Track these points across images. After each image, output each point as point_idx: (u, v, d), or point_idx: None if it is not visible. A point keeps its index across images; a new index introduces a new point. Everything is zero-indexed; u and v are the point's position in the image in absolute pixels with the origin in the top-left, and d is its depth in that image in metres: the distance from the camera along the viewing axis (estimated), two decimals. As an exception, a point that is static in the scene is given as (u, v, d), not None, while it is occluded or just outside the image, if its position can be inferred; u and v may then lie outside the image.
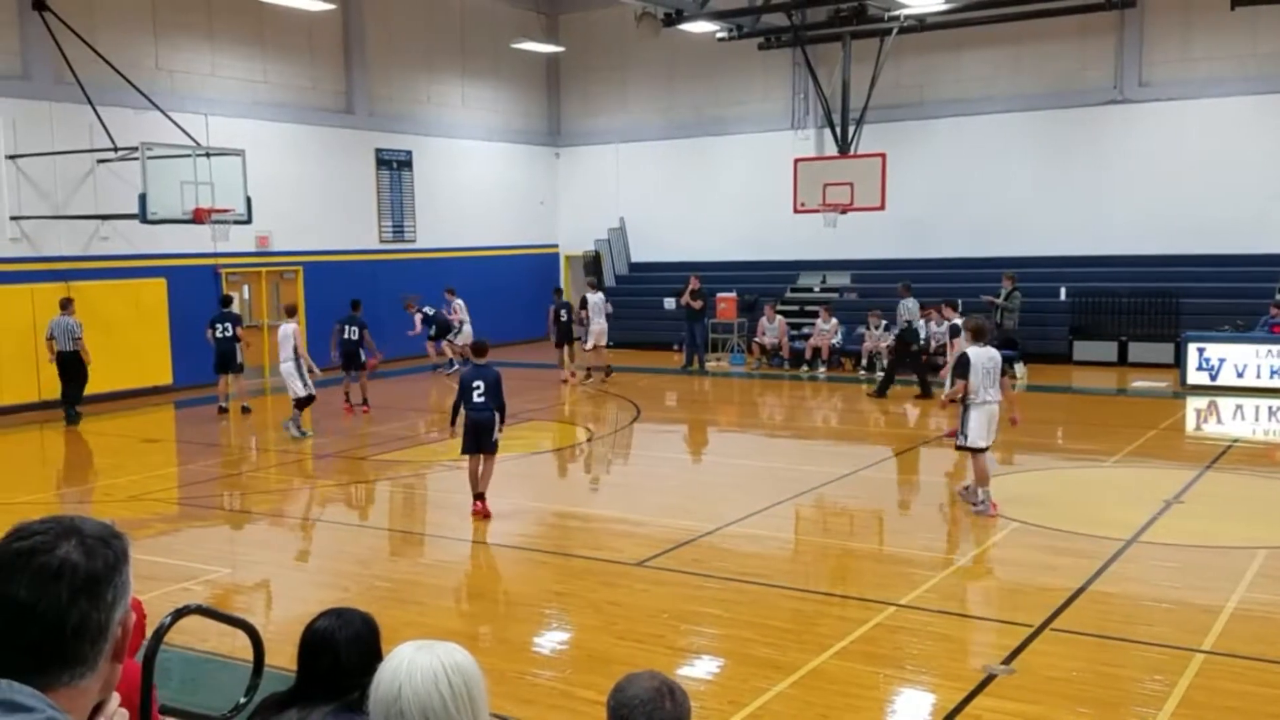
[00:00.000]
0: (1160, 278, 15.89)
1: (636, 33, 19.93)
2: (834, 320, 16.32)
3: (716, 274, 18.43)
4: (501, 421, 7.88)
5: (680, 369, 16.40)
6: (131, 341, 13.96)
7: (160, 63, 14.69)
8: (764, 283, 18.49)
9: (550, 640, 5.71)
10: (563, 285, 21.31)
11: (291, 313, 11.53)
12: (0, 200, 12.93)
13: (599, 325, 15.06)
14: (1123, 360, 15.50)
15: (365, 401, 12.81)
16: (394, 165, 18.08)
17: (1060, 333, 16.01)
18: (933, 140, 17.77)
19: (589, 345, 15.09)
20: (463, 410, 7.83)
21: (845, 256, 18.20)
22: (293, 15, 15.69)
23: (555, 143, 21.45)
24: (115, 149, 12.62)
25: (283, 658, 2.69)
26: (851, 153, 16.57)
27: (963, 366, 7.73)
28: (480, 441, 7.75)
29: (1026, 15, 15.83)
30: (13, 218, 13.09)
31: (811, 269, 18.83)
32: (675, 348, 17.50)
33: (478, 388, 7.69)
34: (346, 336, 12.67)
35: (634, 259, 20.87)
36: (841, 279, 18.46)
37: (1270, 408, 12.42)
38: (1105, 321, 15.79)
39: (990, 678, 4.82)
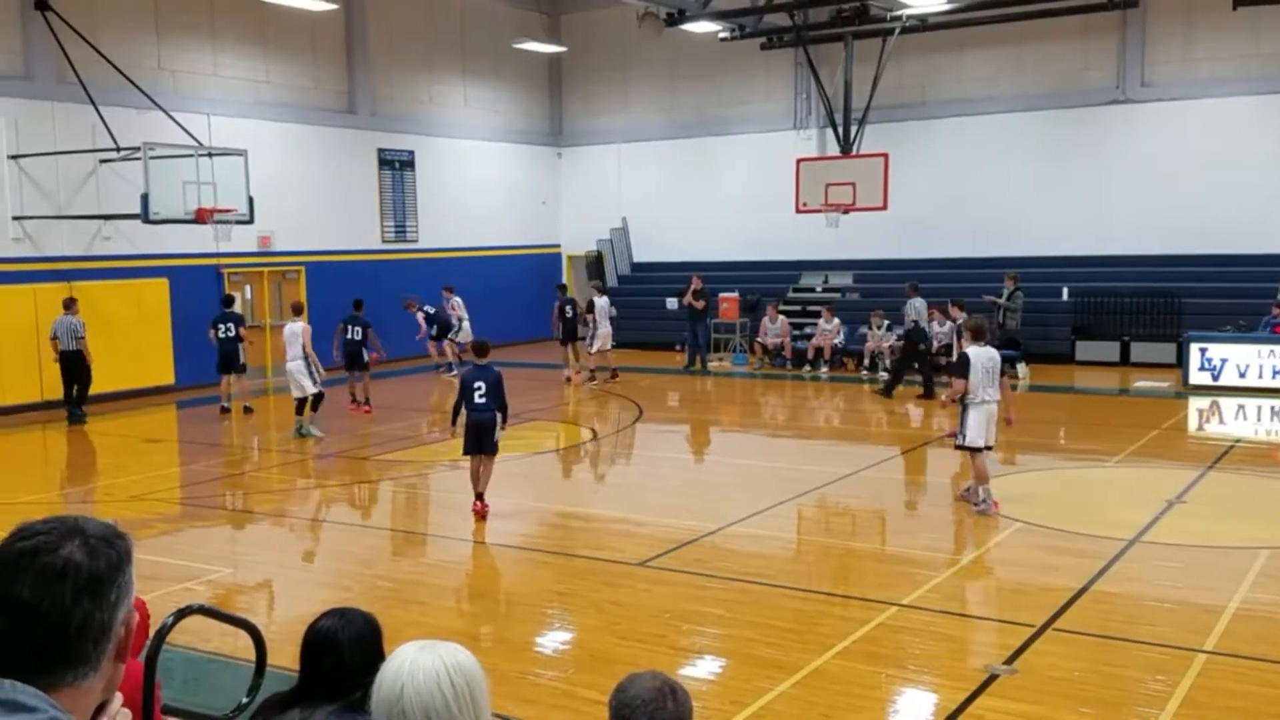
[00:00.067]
0: (1162, 278, 15.87)
1: (639, 32, 19.92)
2: (836, 320, 16.31)
3: (719, 274, 18.42)
4: (504, 421, 7.88)
5: (682, 369, 16.40)
6: (134, 341, 13.97)
7: (163, 62, 14.71)
8: (766, 283, 18.48)
9: (552, 640, 5.71)
10: (561, 282, 21.35)
11: (299, 311, 11.50)
12: (3, 200, 12.95)
13: (605, 329, 14.98)
14: (1125, 360, 15.49)
15: (367, 401, 12.84)
16: (396, 165, 18.09)
17: (1062, 333, 15.99)
18: (935, 140, 17.76)
19: (594, 349, 14.92)
20: (464, 411, 7.83)
21: (847, 256, 18.19)
22: (295, 15, 15.70)
23: (557, 143, 21.45)
24: (117, 149, 12.63)
25: (285, 658, 2.69)
26: (854, 153, 16.56)
27: (962, 366, 7.74)
28: (481, 442, 7.75)
29: (1028, 15, 15.81)
30: (15, 218, 13.10)
31: (814, 269, 18.83)
32: (677, 348, 17.49)
33: (479, 388, 7.69)
34: (350, 336, 12.69)
35: (636, 259, 20.87)
36: (844, 279, 18.45)
37: (1272, 408, 12.40)
38: (1107, 321, 15.77)
39: (992, 678, 4.82)
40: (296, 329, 11.10)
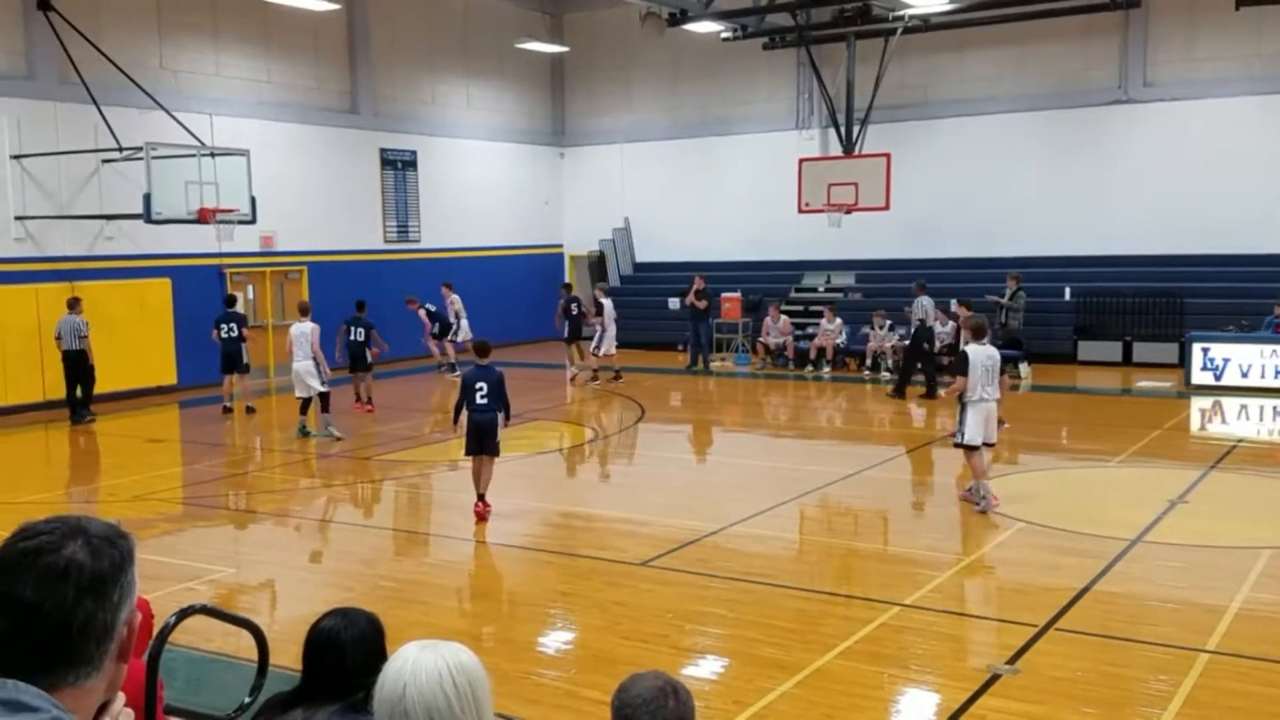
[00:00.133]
0: (1165, 278, 15.85)
1: (641, 32, 19.92)
2: (838, 320, 16.30)
3: (721, 274, 18.41)
4: (506, 420, 7.88)
5: (685, 369, 16.39)
6: (136, 341, 13.99)
7: (165, 62, 14.73)
8: (768, 283, 18.47)
9: (555, 640, 5.71)
10: (566, 281, 21.34)
11: (306, 312, 11.41)
12: (5, 200, 12.97)
13: (612, 331, 14.99)
14: (1127, 360, 15.46)
15: (370, 400, 12.85)
16: (398, 165, 18.10)
17: (1065, 333, 15.97)
18: (937, 140, 17.74)
19: (602, 351, 14.86)
20: (466, 411, 7.82)
21: (850, 256, 18.17)
22: (297, 15, 15.71)
23: (560, 143, 21.45)
24: (120, 149, 12.65)
25: (287, 657, 2.69)
26: (856, 153, 16.55)
27: (961, 364, 7.75)
28: (483, 443, 7.74)
29: (1030, 15, 15.79)
30: (17, 218, 13.12)
31: (816, 269, 18.82)
32: (680, 348, 17.50)
33: (480, 389, 7.66)
34: (352, 338, 12.70)
35: (639, 259, 20.87)
36: (846, 279, 18.43)
37: (1275, 407, 12.38)
38: (1110, 321, 15.75)
39: (995, 678, 4.81)
40: (305, 329, 11.08)
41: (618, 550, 7.04)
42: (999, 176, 17.30)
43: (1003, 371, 7.94)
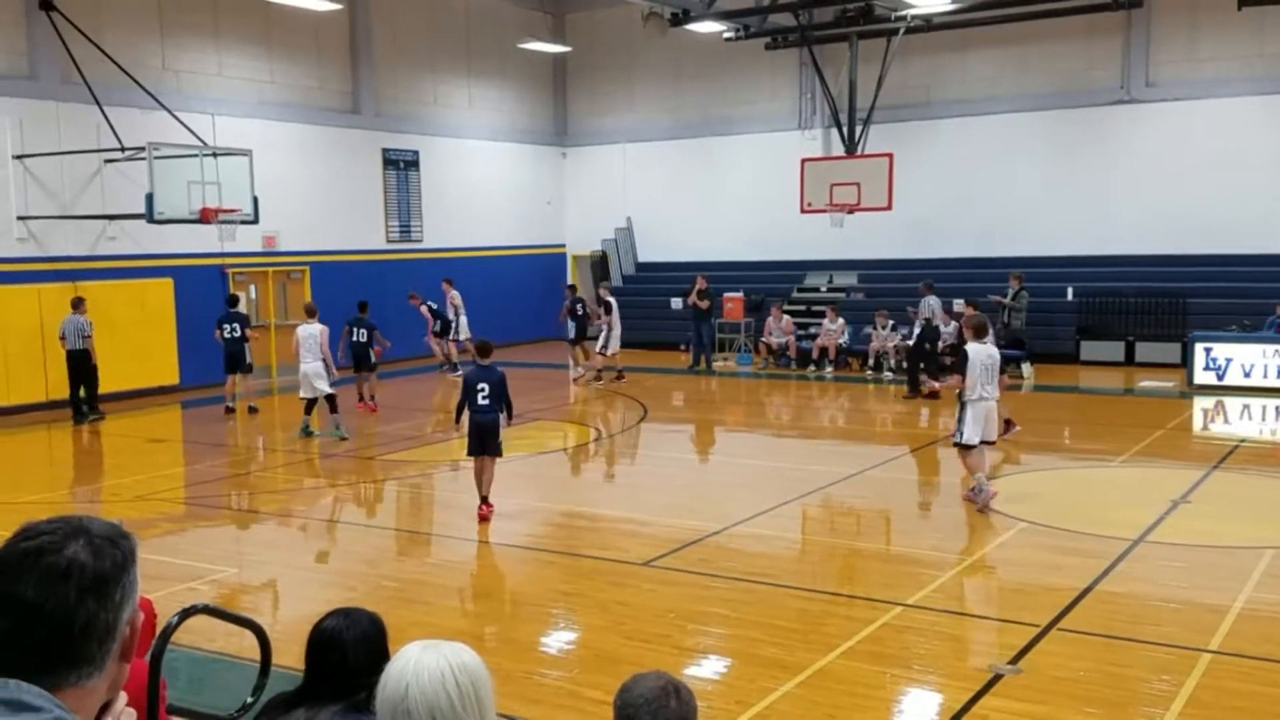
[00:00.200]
0: (1167, 278, 15.82)
1: (643, 32, 19.91)
2: (840, 320, 16.29)
3: (723, 274, 18.40)
4: (509, 420, 7.87)
5: (687, 369, 16.39)
6: (138, 341, 14.00)
7: (167, 63, 14.74)
8: (771, 282, 18.47)
9: (557, 640, 5.71)
10: (571, 282, 21.31)
11: (313, 314, 11.35)
12: (7, 200, 12.99)
13: (619, 330, 14.95)
14: (1130, 360, 15.44)
15: (373, 398, 12.87)
16: (401, 165, 18.11)
17: (1067, 332, 15.95)
18: (939, 140, 17.72)
19: (610, 351, 14.76)
20: (467, 411, 7.79)
21: (852, 256, 18.16)
22: (299, 15, 15.72)
23: (562, 143, 21.45)
24: (122, 149, 12.66)
25: (290, 657, 2.69)
26: (858, 153, 16.54)
27: (961, 362, 7.75)
28: (485, 444, 7.71)
29: (1033, 15, 15.77)
30: (20, 218, 13.14)
31: (818, 269, 18.81)
32: (682, 347, 17.50)
33: (482, 389, 7.63)
34: (355, 339, 12.70)
35: (641, 259, 20.87)
36: (848, 279, 18.42)
37: (1277, 407, 12.36)
38: (1112, 321, 15.73)
39: (997, 678, 4.81)
40: (314, 331, 11.06)
41: (620, 550, 7.03)
42: (1001, 177, 17.28)
43: (1002, 371, 7.94)
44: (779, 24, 16.92)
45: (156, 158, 12.17)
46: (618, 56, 20.53)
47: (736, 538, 7.32)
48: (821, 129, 18.62)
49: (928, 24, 16.36)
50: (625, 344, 15.95)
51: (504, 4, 19.51)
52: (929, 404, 12.92)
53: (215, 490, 9.26)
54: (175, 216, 12.46)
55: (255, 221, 13.48)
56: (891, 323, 15.54)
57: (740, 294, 17.47)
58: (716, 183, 19.72)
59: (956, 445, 7.95)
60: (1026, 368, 14.84)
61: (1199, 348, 13.73)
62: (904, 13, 15.65)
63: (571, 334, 15.50)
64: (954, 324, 14.06)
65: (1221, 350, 13.61)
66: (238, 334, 12.69)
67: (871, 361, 15.73)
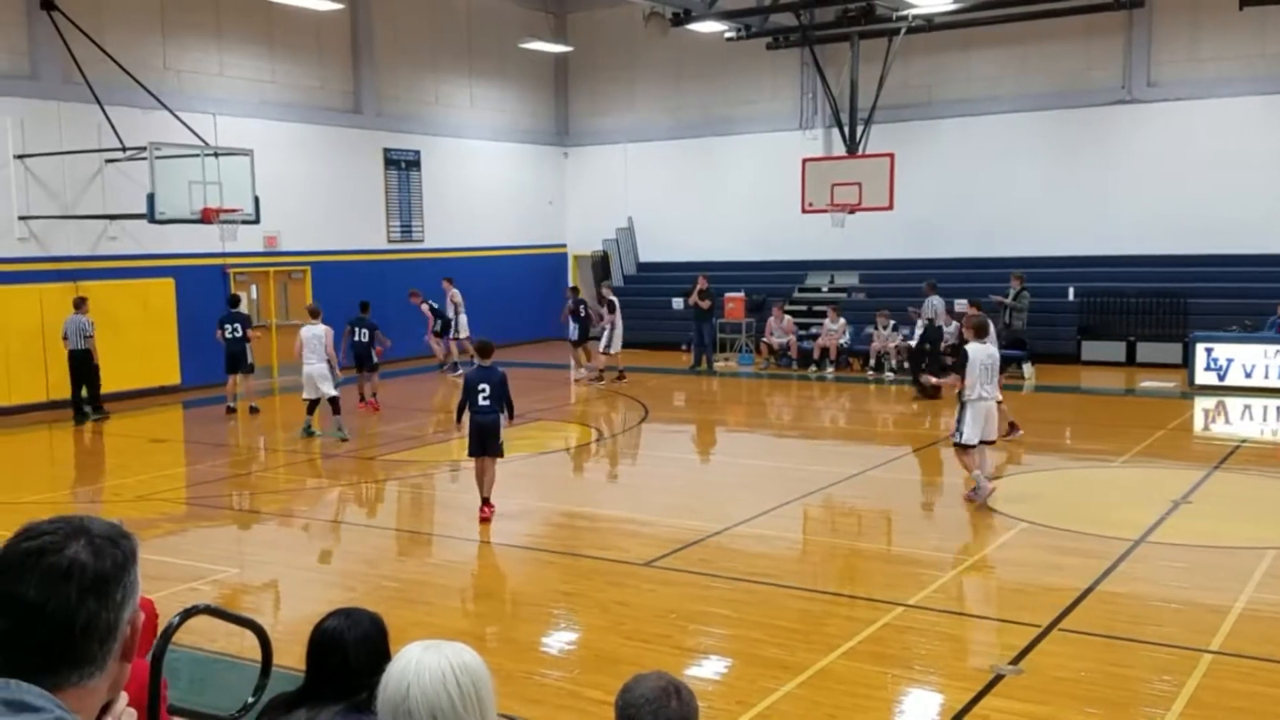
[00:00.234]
0: (1168, 278, 15.81)
1: (645, 32, 19.91)
2: (841, 320, 16.29)
3: (724, 274, 18.39)
4: (510, 420, 7.86)
5: (688, 369, 16.38)
6: (140, 341, 14.01)
7: (168, 62, 14.75)
8: (772, 282, 18.46)
9: (558, 640, 5.71)
10: (573, 284, 21.30)
11: (316, 314, 11.30)
12: (9, 200, 13.00)
13: (620, 329, 14.81)
14: (1131, 360, 15.43)
15: (374, 396, 12.87)
16: (402, 165, 18.12)
17: (1068, 333, 15.94)
18: (940, 140, 17.71)
19: (614, 350, 14.65)
20: (468, 412, 7.76)
21: (853, 256, 18.16)
22: (301, 15, 15.73)
23: (563, 142, 21.45)
24: (124, 149, 12.67)
25: (290, 658, 2.70)
26: (859, 153, 16.53)
27: (961, 362, 7.76)
28: (485, 444, 7.68)
29: (1034, 15, 15.75)
30: (21, 217, 13.15)
31: (819, 269, 18.80)
32: (683, 348, 17.49)
33: (483, 389, 7.60)
34: (357, 339, 12.70)
35: (642, 259, 20.87)
36: (849, 279, 18.42)
37: (1278, 408, 12.34)
38: (1113, 321, 15.72)
39: (998, 678, 4.81)
40: (318, 332, 11.03)
41: (621, 550, 7.03)
42: (1003, 176, 17.27)
43: (1002, 371, 7.94)
44: (780, 24, 16.92)
45: (158, 157, 12.18)
46: (619, 56, 20.53)
47: (737, 538, 7.32)
48: (823, 129, 18.62)
49: (929, 24, 16.35)
50: (626, 344, 15.95)
51: (505, 4, 19.51)
52: (931, 404, 12.91)
53: (216, 490, 9.27)
54: (176, 216, 12.46)
55: (256, 221, 13.49)
56: (893, 323, 15.54)
57: (741, 294, 17.47)
58: (718, 183, 19.72)
59: (956, 445, 7.95)
60: (1028, 368, 14.83)
61: (1200, 348, 13.72)
62: (905, 12, 15.64)
63: (574, 335, 15.41)
64: (955, 324, 14.06)
65: (1223, 350, 13.60)
66: (239, 334, 12.70)
67: (873, 362, 15.72)
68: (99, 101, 12.86)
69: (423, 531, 8.18)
